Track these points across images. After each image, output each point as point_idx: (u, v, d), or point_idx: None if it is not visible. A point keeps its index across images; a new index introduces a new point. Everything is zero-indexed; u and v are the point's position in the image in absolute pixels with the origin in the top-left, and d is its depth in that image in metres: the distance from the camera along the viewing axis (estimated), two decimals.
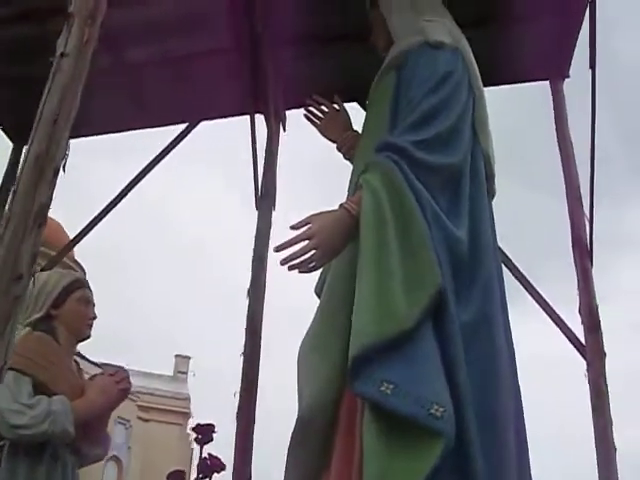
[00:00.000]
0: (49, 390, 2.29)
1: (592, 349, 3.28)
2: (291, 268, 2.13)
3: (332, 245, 2.13)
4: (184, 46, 3.75)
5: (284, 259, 2.09)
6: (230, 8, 3.64)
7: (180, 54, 3.78)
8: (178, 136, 4.02)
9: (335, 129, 2.85)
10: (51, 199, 1.43)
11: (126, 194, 3.94)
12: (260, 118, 3.96)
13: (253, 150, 3.81)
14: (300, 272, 2.20)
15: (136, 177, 3.97)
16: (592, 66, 3.30)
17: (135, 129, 4.03)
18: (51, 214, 1.65)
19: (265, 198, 3.76)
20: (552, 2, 3.53)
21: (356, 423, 2.04)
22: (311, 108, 2.91)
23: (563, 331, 3.45)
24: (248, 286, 3.59)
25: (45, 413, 2.20)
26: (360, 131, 2.79)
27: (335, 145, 2.85)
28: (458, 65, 2.38)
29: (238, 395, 3.37)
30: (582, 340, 3.35)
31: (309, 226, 2.13)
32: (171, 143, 4.01)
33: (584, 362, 3.30)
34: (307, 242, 2.09)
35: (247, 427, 3.32)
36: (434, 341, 1.97)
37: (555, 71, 3.79)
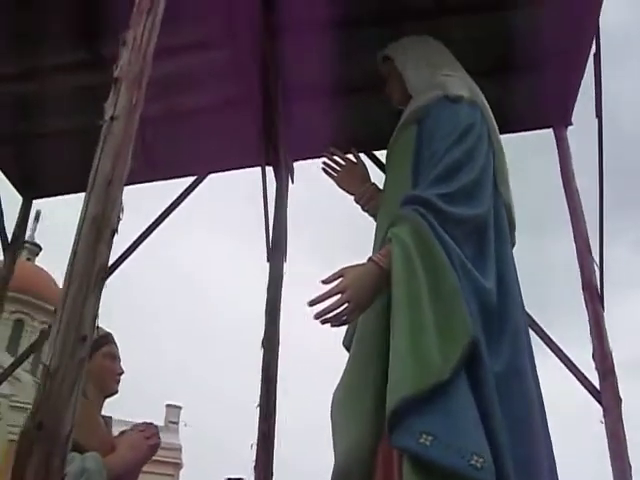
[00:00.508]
0: (81, 447, 2.26)
1: (607, 395, 3.30)
2: (324, 322, 2.16)
3: (363, 298, 2.15)
4: (193, 98, 3.82)
5: (318, 313, 2.11)
6: (241, 60, 3.73)
7: (189, 106, 3.84)
8: (187, 189, 4.06)
9: (353, 181, 2.89)
10: (109, 259, 1.46)
11: (135, 249, 3.95)
12: (269, 169, 4.04)
13: (264, 202, 3.85)
14: (332, 326, 2.22)
15: (144, 232, 3.99)
16: (599, 115, 3.39)
17: (142, 182, 4.06)
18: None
19: (276, 249, 3.78)
20: (555, 52, 3.64)
21: (393, 475, 2.04)
22: (327, 160, 2.96)
23: (577, 377, 3.47)
24: (262, 337, 3.60)
25: (79, 471, 2.18)
26: (378, 183, 2.86)
27: (353, 197, 2.89)
28: (477, 118, 2.44)
29: (255, 447, 3.34)
30: (597, 386, 3.38)
31: (341, 279, 2.15)
32: (180, 196, 4.05)
33: (600, 408, 3.32)
34: (340, 296, 2.12)
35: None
36: (469, 391, 1.99)
37: (559, 119, 3.89)
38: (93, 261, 1.40)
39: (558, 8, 3.35)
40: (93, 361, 2.50)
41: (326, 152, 2.97)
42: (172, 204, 4.03)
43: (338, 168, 2.94)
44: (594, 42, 3.33)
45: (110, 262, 3.87)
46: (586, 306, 3.51)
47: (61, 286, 1.43)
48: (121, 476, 2.31)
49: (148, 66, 1.72)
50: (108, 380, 2.53)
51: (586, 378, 3.43)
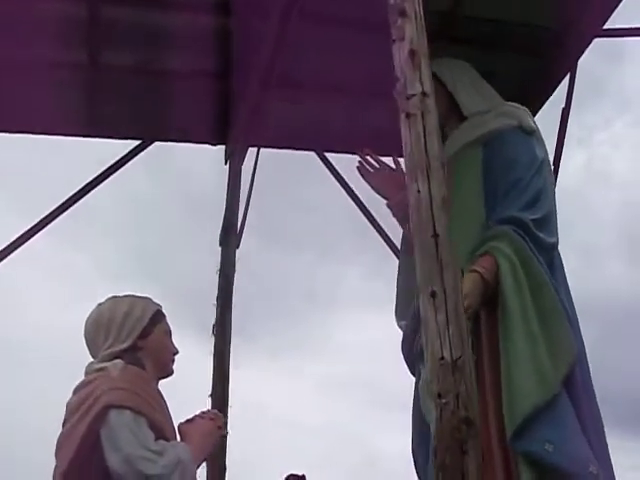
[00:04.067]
0: (161, 433, 2.02)
1: None
2: None
3: (477, 304, 2.26)
4: (167, 59, 3.54)
5: None
6: (221, 33, 3.56)
7: (160, 67, 3.55)
8: (129, 153, 3.72)
9: (390, 187, 2.89)
10: None
11: (73, 204, 3.54)
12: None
13: (229, 184, 3.67)
14: None
15: (81, 189, 3.58)
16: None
17: (86, 136, 3.65)
18: None
19: (228, 234, 3.64)
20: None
21: (496, 475, 2.15)
22: (363, 161, 2.94)
23: None
24: (213, 323, 3.45)
25: (175, 462, 1.93)
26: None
27: (386, 202, 2.91)
28: (546, 153, 2.66)
29: None
30: None
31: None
32: (120, 160, 3.70)
33: None
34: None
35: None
36: (569, 402, 2.19)
37: None
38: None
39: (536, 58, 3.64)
40: (154, 336, 2.24)
41: (360, 152, 2.96)
42: (111, 167, 3.66)
43: (371, 170, 2.95)
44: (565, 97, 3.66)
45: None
46: None
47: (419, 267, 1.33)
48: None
49: None
50: (167, 359, 2.25)
51: None
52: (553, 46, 3.55)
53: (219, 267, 3.56)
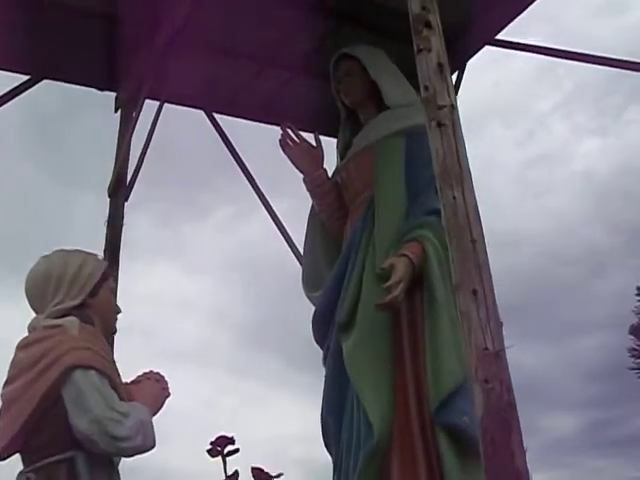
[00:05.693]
0: (118, 393, 2.00)
1: None
2: (382, 307, 2.42)
3: (407, 287, 2.48)
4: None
5: (389, 302, 2.38)
6: None
7: (57, 3, 3.33)
8: (14, 89, 3.46)
9: (308, 163, 3.04)
10: None
11: None
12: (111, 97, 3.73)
13: (120, 135, 3.54)
14: (387, 310, 2.47)
15: None
16: None
17: None
18: None
19: (117, 186, 3.53)
20: None
21: (414, 443, 2.41)
22: (285, 135, 3.02)
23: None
24: None
25: (139, 423, 1.93)
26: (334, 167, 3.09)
27: (303, 177, 3.03)
28: None
29: None
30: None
31: (397, 270, 2.44)
32: (4, 95, 3.43)
33: None
34: (400, 284, 2.42)
35: None
36: None
37: None
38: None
39: None
40: (102, 294, 2.19)
41: (283, 127, 3.04)
42: None
43: (290, 144, 3.05)
44: None
45: None
46: None
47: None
48: None
49: None
50: (112, 317, 2.21)
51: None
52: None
53: (107, 218, 3.47)
